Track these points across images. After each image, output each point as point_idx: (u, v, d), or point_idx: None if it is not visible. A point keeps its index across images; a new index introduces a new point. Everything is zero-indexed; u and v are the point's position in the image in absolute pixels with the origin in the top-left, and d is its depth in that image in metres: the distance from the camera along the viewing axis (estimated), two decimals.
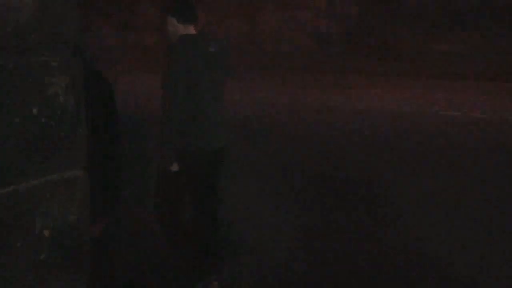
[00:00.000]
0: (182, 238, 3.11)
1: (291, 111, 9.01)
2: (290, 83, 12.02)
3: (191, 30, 2.98)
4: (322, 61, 14.77)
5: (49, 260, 1.17)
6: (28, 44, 1.13)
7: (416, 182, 5.35)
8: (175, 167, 2.91)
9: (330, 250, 3.80)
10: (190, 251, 3.11)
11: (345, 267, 3.53)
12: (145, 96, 9.91)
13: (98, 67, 2.53)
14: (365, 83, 12.03)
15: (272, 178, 5.41)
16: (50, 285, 1.19)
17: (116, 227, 2.75)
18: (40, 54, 1.16)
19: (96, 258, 2.24)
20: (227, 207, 4.28)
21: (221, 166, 3.11)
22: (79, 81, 1.26)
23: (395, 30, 15.12)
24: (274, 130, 7.62)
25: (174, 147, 2.88)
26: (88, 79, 2.04)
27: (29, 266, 1.14)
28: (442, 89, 11.56)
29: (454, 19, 14.70)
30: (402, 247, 3.83)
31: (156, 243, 3.68)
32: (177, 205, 3.08)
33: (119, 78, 11.33)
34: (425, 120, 8.48)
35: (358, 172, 5.72)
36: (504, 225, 4.24)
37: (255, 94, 10.63)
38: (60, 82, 1.20)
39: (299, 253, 3.72)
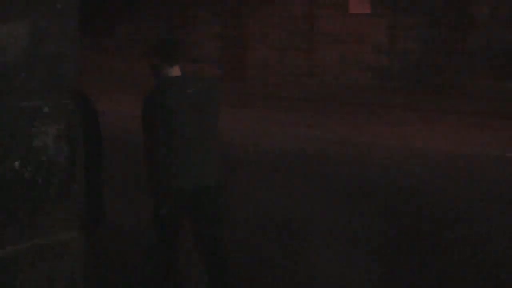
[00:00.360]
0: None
1: (341, 148, 8.70)
2: (344, 118, 11.74)
3: (175, 71, 2.98)
4: (379, 97, 14.44)
5: None
6: (15, 87, 0.98)
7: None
8: (163, 211, 2.93)
9: None
10: None
11: None
12: None
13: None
14: (424, 120, 11.56)
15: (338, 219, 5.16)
16: None
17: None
18: (29, 98, 1.01)
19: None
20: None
21: (213, 204, 3.06)
22: (74, 130, 1.09)
23: (459, 68, 14.58)
24: (320, 168, 7.36)
25: (159, 189, 2.94)
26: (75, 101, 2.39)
27: None
28: (509, 129, 10.93)
29: None
30: None
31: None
32: (172, 245, 3.09)
33: None
34: (490, 162, 7.95)
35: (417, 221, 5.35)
36: None
37: (306, 128, 10.41)
38: (50, 131, 1.04)
39: None
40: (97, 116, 2.75)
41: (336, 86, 16.03)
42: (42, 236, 1.03)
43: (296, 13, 17.59)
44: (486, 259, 4.42)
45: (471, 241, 4.77)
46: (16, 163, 0.96)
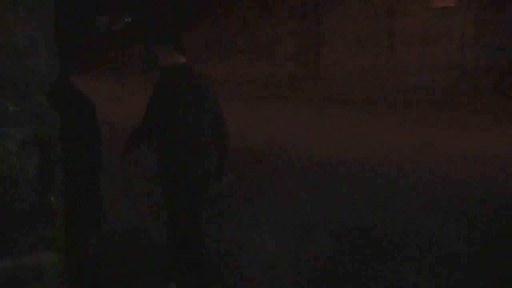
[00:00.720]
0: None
1: (419, 155, 8.10)
2: (428, 122, 10.97)
3: (182, 59, 3.17)
4: (467, 97, 13.57)
5: None
6: None
7: None
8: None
9: None
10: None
11: None
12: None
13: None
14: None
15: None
16: None
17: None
18: None
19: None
20: None
21: (206, 189, 3.32)
22: (50, 133, 0.93)
23: None
24: (404, 176, 6.86)
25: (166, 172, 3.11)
26: (72, 100, 2.62)
27: None
28: None
29: None
30: None
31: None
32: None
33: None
34: None
35: None
36: None
37: (384, 133, 9.87)
38: (16, 135, 0.88)
39: None
40: (94, 114, 2.79)
41: (417, 86, 15.30)
42: (10, 258, 0.88)
43: (376, 9, 17.02)
44: None
45: None
46: None
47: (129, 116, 9.73)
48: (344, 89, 15.28)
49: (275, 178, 6.46)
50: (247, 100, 14.30)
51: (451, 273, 4.04)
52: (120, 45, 28.59)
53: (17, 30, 0.88)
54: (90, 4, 31.11)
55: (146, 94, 3.40)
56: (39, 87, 0.89)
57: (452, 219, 5.14)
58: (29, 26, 0.88)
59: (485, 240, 4.65)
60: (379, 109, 12.24)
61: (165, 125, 3.03)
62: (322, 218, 5.09)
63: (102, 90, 13.82)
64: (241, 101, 13.99)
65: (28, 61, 0.88)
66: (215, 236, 4.52)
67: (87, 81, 12.38)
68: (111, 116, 9.69)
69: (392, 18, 16.44)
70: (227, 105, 13.97)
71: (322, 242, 4.59)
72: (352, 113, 11.84)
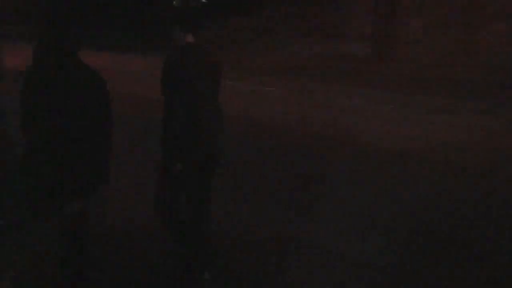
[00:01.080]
0: (181, 232, 3.42)
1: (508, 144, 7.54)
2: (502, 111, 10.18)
3: (190, 38, 3.20)
4: None
5: None
6: None
7: None
8: (176, 169, 3.14)
9: None
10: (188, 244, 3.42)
11: None
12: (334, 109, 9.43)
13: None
14: None
15: None
16: None
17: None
18: None
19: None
20: None
21: (215, 170, 3.43)
22: None
23: None
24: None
25: (176, 150, 3.12)
26: (86, 78, 2.93)
27: None
28: None
29: None
30: None
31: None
32: (176, 203, 3.35)
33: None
34: None
35: None
36: None
37: (470, 117, 9.29)
38: None
39: None
40: (106, 89, 3.03)
41: (502, 67, 14.39)
42: None
43: None
44: None
45: None
46: None
47: None
48: (422, 70, 14.63)
49: (342, 165, 6.24)
50: (318, 79, 13.99)
51: None
52: (195, 22, 28.81)
53: None
54: None
55: None
56: None
57: None
58: None
59: None
60: (462, 93, 11.61)
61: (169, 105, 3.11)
62: (388, 212, 4.87)
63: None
64: (312, 80, 13.72)
65: None
66: (281, 227, 4.44)
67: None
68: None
69: None
70: (295, 83, 13.50)
71: (386, 236, 4.41)
72: (431, 98, 11.29)
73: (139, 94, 10.37)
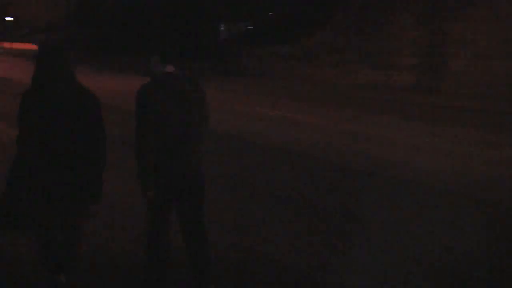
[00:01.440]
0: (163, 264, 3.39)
1: None
2: None
3: (170, 69, 3.31)
4: None
5: None
6: None
7: None
8: (150, 196, 3.19)
9: None
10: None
11: None
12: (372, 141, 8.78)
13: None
14: None
15: None
16: None
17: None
18: None
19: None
20: None
21: (195, 190, 3.40)
22: None
23: None
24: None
25: (148, 178, 3.18)
26: (78, 95, 3.15)
27: None
28: None
29: None
30: None
31: None
32: (163, 230, 3.37)
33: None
34: None
35: None
36: None
37: None
38: None
39: None
40: (99, 105, 3.19)
41: None
42: None
43: (505, 15, 15.36)
44: None
45: None
46: None
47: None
48: (470, 101, 13.82)
49: (379, 201, 5.55)
50: (361, 109, 13.38)
51: None
52: (239, 50, 29.10)
53: None
54: (213, 14, 32.43)
55: None
56: None
57: None
58: None
59: None
60: (507, 126, 10.77)
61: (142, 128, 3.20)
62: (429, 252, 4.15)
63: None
64: (355, 109, 13.16)
65: None
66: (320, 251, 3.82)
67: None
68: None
69: None
70: (339, 110, 13.01)
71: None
72: (476, 131, 10.50)
73: None
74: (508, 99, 13.77)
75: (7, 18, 56.68)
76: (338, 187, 6.14)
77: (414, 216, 5.19)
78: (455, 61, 16.21)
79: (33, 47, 48.73)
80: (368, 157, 7.75)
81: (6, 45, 51.34)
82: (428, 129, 10.58)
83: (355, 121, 11.44)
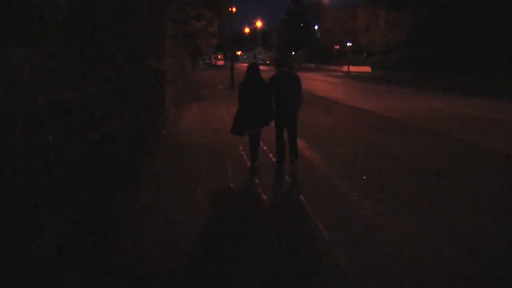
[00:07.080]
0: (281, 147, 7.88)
1: None
2: None
3: (285, 69, 7.80)
4: None
5: None
6: None
7: None
8: (276, 119, 7.91)
9: None
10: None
11: None
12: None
13: None
14: None
15: None
16: None
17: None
18: None
19: None
20: None
21: (295, 120, 7.78)
22: None
23: None
24: None
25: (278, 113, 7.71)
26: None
27: None
28: None
29: None
30: None
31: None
32: (281, 135, 7.89)
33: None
34: None
35: None
36: None
37: None
38: None
39: None
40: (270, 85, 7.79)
41: None
42: None
43: None
44: None
45: None
46: None
47: None
48: None
49: None
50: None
51: None
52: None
53: None
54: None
55: None
56: None
57: None
58: None
59: None
60: None
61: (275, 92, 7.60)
62: None
63: None
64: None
65: None
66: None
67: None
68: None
69: None
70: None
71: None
72: None
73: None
74: None
75: (348, 44, 60.85)
76: None
77: None
78: None
79: (368, 69, 56.91)
80: None
81: (344, 68, 57.41)
82: None
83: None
